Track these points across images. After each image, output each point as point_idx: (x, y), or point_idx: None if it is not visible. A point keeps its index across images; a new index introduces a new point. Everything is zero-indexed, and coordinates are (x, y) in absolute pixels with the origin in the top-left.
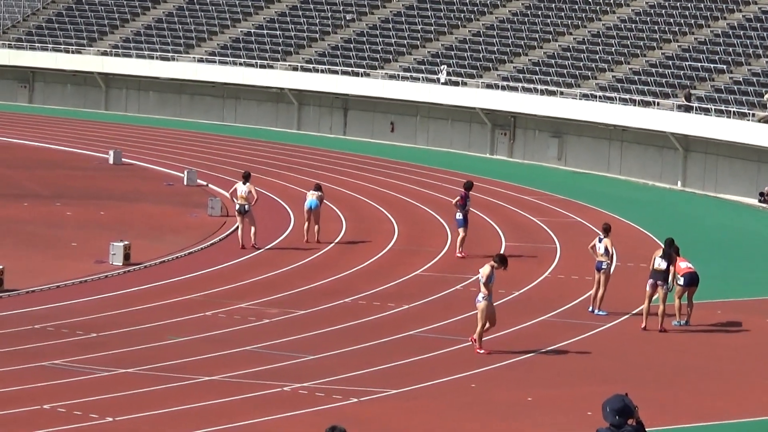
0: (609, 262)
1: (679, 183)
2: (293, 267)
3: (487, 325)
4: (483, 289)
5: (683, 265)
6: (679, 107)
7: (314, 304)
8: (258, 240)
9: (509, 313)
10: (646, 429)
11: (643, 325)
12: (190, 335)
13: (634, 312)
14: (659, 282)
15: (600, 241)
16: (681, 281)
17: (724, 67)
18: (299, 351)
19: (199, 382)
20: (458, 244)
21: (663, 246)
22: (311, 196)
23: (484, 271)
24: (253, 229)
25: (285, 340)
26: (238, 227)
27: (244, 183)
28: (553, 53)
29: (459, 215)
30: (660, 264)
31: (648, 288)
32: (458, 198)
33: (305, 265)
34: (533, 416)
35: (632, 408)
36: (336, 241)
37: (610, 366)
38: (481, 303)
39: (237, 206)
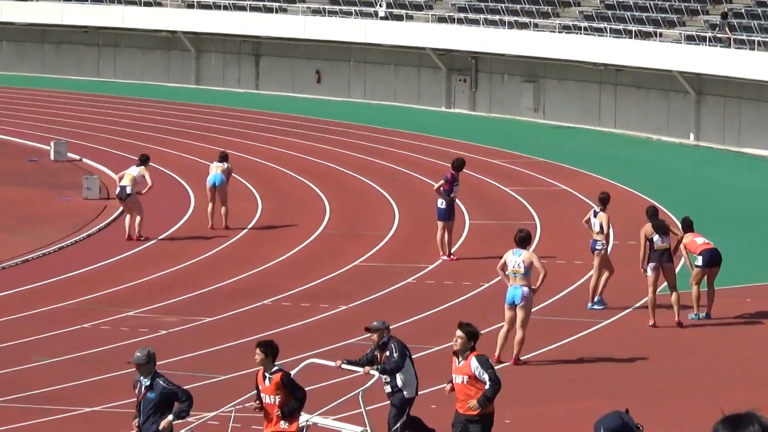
0: (605, 242)
1: (691, 136)
2: (196, 261)
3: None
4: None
5: (699, 240)
6: (713, 31)
7: (224, 308)
8: (144, 229)
9: (478, 311)
10: None
11: (651, 322)
12: (63, 355)
13: (636, 305)
14: (664, 263)
15: (595, 215)
16: (699, 261)
17: None
18: (206, 370)
19: (76, 415)
20: (439, 243)
21: (649, 220)
22: (215, 170)
23: (533, 258)
24: (138, 218)
25: (187, 356)
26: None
27: (139, 166)
28: None
29: (441, 203)
30: (662, 241)
31: (650, 273)
32: (442, 182)
33: (211, 258)
34: None
35: (634, 427)
36: (250, 226)
37: (608, 375)
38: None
39: (117, 190)
